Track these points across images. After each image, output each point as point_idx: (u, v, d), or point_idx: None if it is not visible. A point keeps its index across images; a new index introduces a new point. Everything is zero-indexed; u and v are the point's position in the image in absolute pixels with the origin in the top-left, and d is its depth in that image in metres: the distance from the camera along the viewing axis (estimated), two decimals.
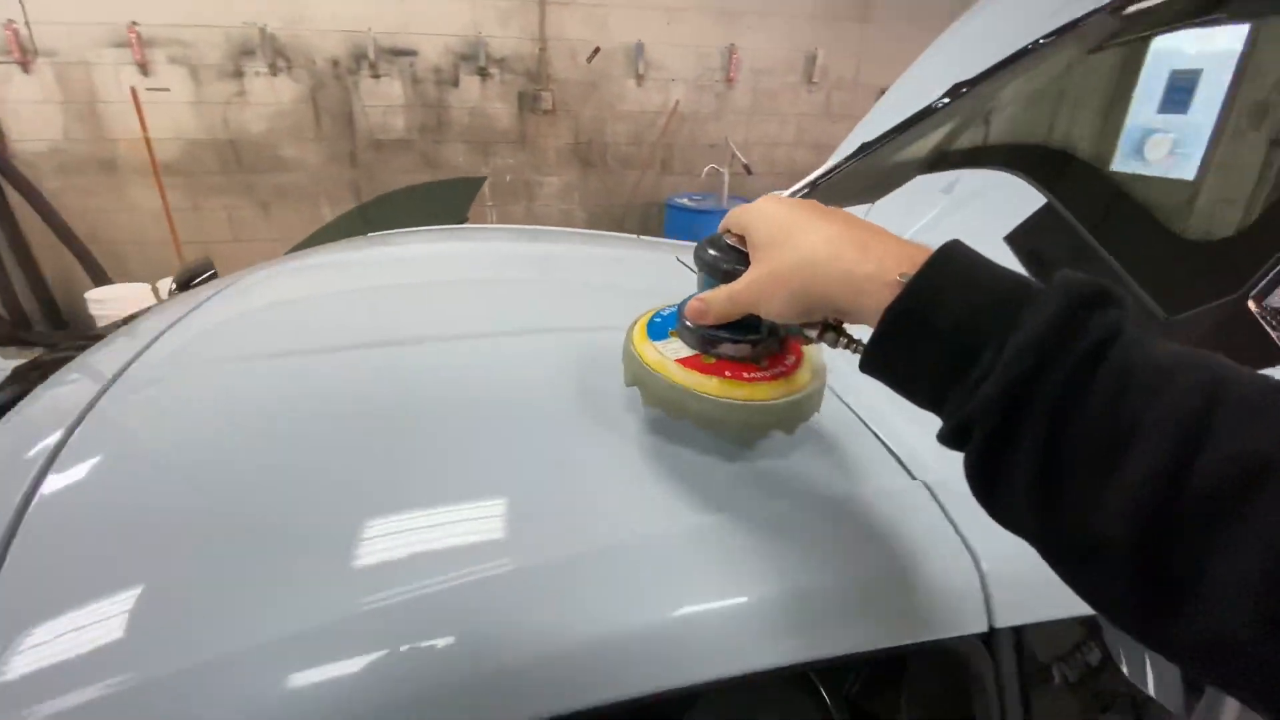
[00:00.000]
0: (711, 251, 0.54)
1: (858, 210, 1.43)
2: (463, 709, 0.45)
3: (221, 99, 4.18)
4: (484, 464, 0.61)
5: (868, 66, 5.19)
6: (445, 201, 4.08)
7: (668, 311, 0.65)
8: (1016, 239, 1.01)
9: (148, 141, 4.08)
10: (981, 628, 0.56)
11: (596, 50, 4.62)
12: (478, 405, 0.71)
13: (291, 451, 0.63)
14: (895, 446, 0.69)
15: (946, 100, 1.53)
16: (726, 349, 0.57)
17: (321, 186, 4.52)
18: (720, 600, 0.51)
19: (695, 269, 0.57)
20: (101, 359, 0.85)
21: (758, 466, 0.63)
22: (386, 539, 0.54)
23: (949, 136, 1.52)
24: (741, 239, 0.52)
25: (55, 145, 4.02)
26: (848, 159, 1.65)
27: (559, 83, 4.65)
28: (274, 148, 4.38)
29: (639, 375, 0.60)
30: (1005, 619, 0.56)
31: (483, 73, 4.48)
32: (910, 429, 0.72)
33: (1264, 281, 0.83)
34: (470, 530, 0.55)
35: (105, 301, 3.90)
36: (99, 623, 0.46)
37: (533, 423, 0.68)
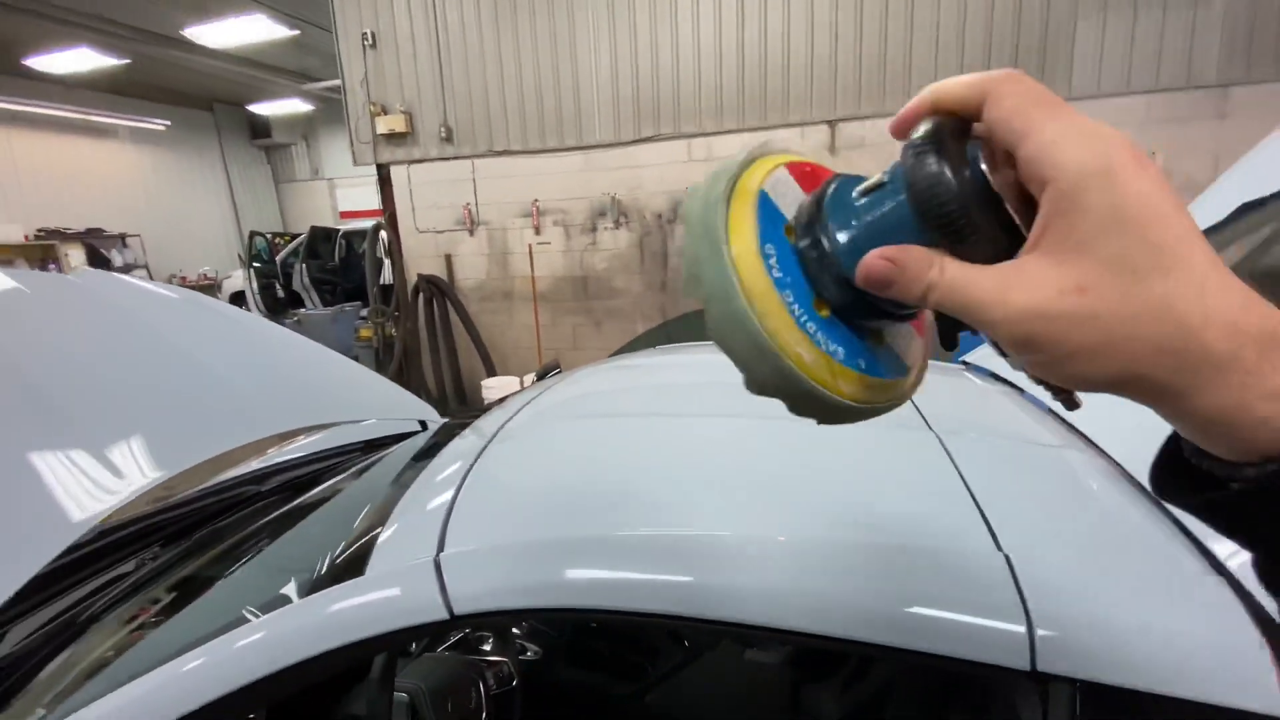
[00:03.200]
0: (942, 177, 0.28)
1: None
2: None
3: (580, 248, 5.09)
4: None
5: (1225, 164, 3.97)
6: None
7: (786, 189, 0.36)
8: None
9: (533, 280, 5.13)
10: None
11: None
12: (715, 444, 1.08)
13: (606, 468, 1.03)
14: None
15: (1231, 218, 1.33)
16: (872, 324, 0.35)
17: (639, 309, 5.07)
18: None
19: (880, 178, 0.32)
20: (489, 421, 1.31)
21: None
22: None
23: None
24: (1009, 161, 0.27)
25: (480, 282, 5.31)
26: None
27: None
28: (609, 280, 5.09)
29: (716, 282, 0.33)
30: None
31: None
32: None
33: None
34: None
35: (492, 388, 4.85)
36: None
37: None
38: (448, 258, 5.49)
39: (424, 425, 1.91)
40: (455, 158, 5.28)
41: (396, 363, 5.55)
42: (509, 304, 5.46)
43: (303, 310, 7.94)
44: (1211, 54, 3.92)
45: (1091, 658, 0.59)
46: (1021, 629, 0.60)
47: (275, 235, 9.74)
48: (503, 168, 5.19)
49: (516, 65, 4.97)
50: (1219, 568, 0.67)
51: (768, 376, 0.33)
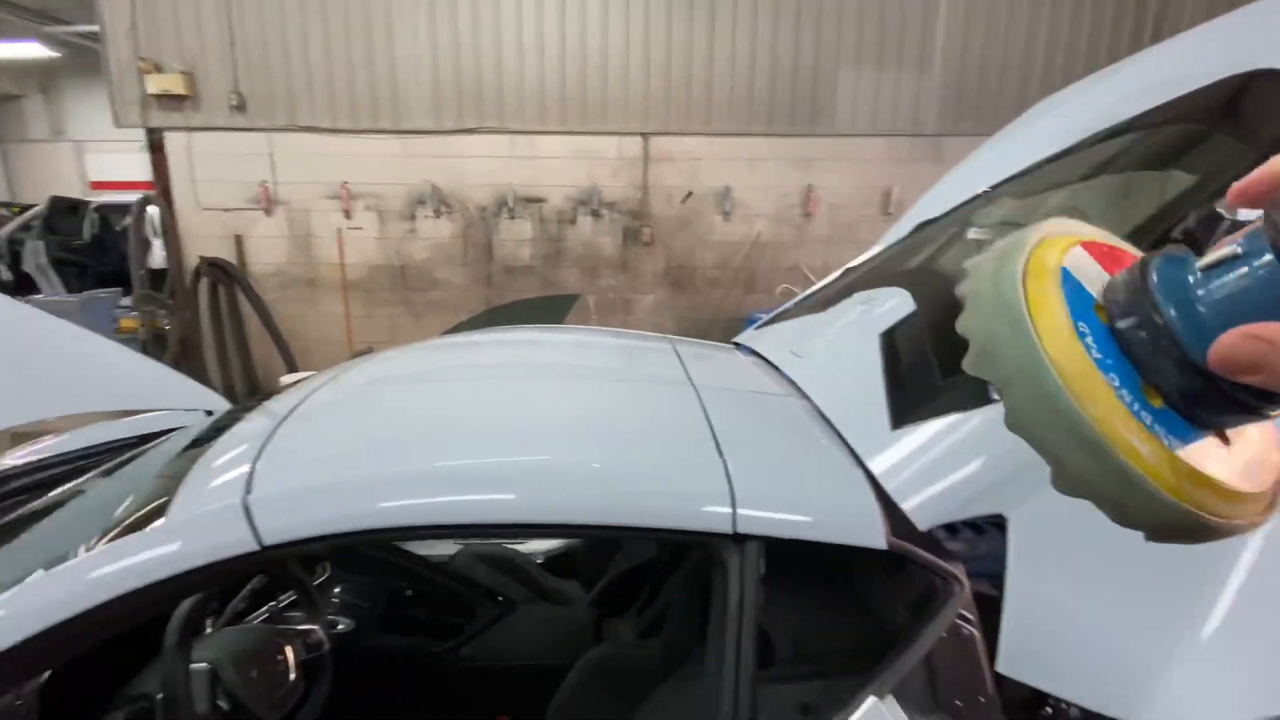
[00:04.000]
0: None
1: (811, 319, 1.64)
2: None
3: (398, 235, 4.82)
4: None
5: None
6: (548, 312, 4.28)
7: (1087, 268, 0.33)
8: (887, 335, 1.18)
9: (342, 267, 4.74)
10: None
11: (689, 194, 4.88)
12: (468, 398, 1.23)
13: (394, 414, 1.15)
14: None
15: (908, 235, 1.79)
16: (1218, 419, 0.30)
17: (463, 301, 4.95)
18: None
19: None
20: (287, 395, 1.28)
21: None
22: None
23: (893, 260, 1.76)
24: None
25: (279, 267, 4.78)
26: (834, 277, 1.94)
27: (656, 220, 4.91)
28: (431, 271, 4.89)
29: (1021, 361, 0.30)
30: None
31: (595, 214, 4.86)
32: None
33: None
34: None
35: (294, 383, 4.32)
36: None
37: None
38: (238, 239, 4.87)
39: (210, 415, 1.73)
40: (249, 129, 4.71)
41: (171, 358, 4.76)
42: (313, 292, 4.99)
43: (38, 296, 6.43)
44: (932, 109, 4.90)
45: (771, 523, 0.87)
46: (728, 509, 0.85)
47: None
48: (307, 144, 4.74)
49: (324, 35, 4.58)
50: (860, 464, 0.96)
51: (1090, 472, 0.28)
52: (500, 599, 1.71)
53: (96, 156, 10.50)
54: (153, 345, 5.05)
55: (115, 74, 4.55)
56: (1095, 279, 0.32)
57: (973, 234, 1.76)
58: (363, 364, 1.49)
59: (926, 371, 1.09)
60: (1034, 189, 1.62)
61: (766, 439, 1.08)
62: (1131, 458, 0.27)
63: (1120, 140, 1.52)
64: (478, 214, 4.96)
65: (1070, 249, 0.32)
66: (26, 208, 7.58)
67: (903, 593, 0.92)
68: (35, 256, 6.83)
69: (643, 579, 1.65)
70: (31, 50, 9.45)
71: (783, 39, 4.75)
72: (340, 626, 1.51)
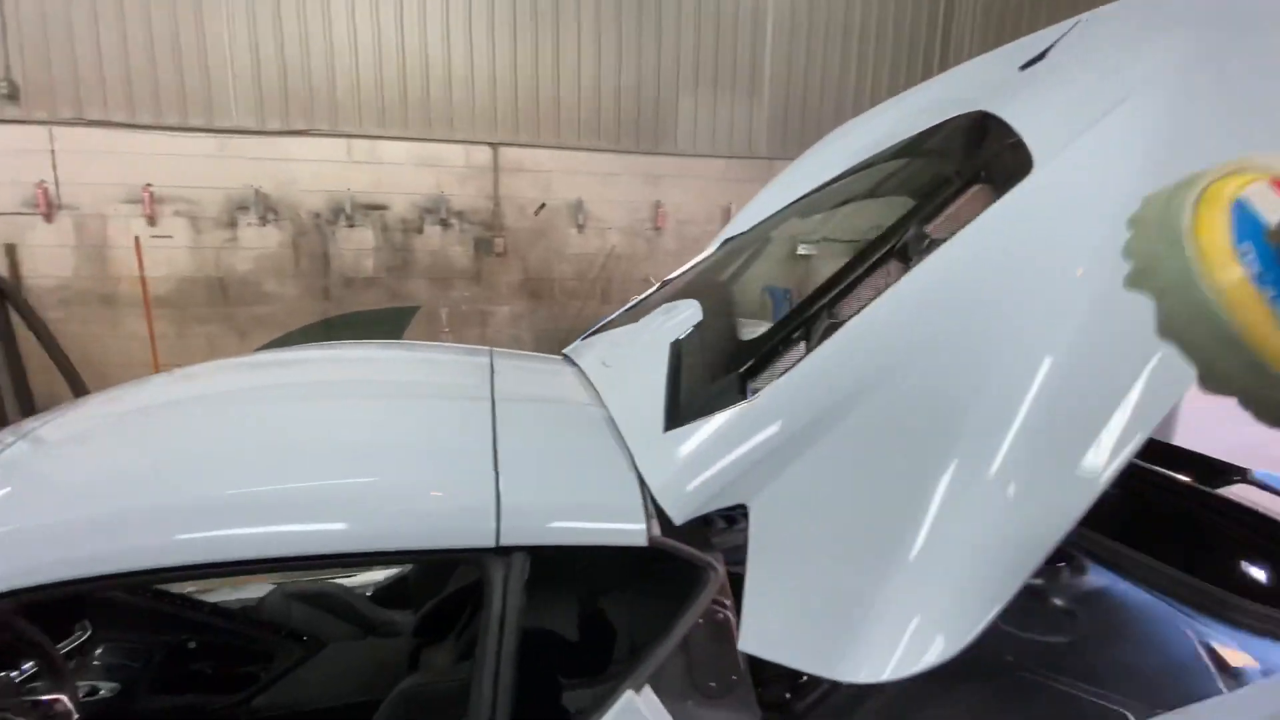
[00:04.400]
0: None
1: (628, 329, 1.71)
2: None
3: (216, 244, 4.34)
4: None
5: None
6: (383, 325, 4.04)
7: (1268, 201, 0.37)
8: (675, 344, 1.28)
9: (143, 280, 4.17)
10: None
11: (542, 206, 4.87)
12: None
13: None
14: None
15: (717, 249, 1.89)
16: None
17: (295, 316, 4.56)
18: None
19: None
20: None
21: None
22: None
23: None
24: None
25: (63, 281, 4.11)
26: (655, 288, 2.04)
27: (510, 231, 4.85)
28: (257, 283, 4.46)
29: (1173, 273, 0.34)
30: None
31: (444, 223, 4.71)
32: None
33: None
34: None
35: None
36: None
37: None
38: (9, 249, 4.12)
39: None
40: (23, 121, 4.03)
41: None
42: (111, 310, 4.34)
43: None
44: (763, 134, 5.31)
45: (537, 532, 0.88)
46: (492, 523, 0.84)
47: None
48: (99, 141, 4.14)
49: (118, 14, 4.05)
50: (635, 468, 1.00)
51: (1235, 370, 0.32)
52: (305, 639, 1.57)
53: None
54: None
55: None
56: (1275, 209, 0.36)
57: (769, 248, 1.95)
58: (126, 386, 1.32)
59: (700, 377, 1.17)
60: (818, 208, 1.80)
61: (550, 450, 1.09)
62: (1275, 357, 0.30)
63: (880, 167, 1.72)
64: (311, 221, 4.60)
65: (1253, 183, 0.36)
66: None
67: (667, 586, 0.96)
68: None
69: (465, 601, 1.59)
70: None
71: (626, 61, 4.94)
72: (102, 692, 1.31)
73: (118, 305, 4.34)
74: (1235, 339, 0.31)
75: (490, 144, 4.80)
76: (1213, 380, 0.34)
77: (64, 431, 1.09)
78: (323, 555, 0.86)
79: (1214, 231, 0.34)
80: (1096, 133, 1.01)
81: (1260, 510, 1.43)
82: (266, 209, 4.50)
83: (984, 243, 1.02)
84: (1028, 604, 1.14)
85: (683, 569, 0.91)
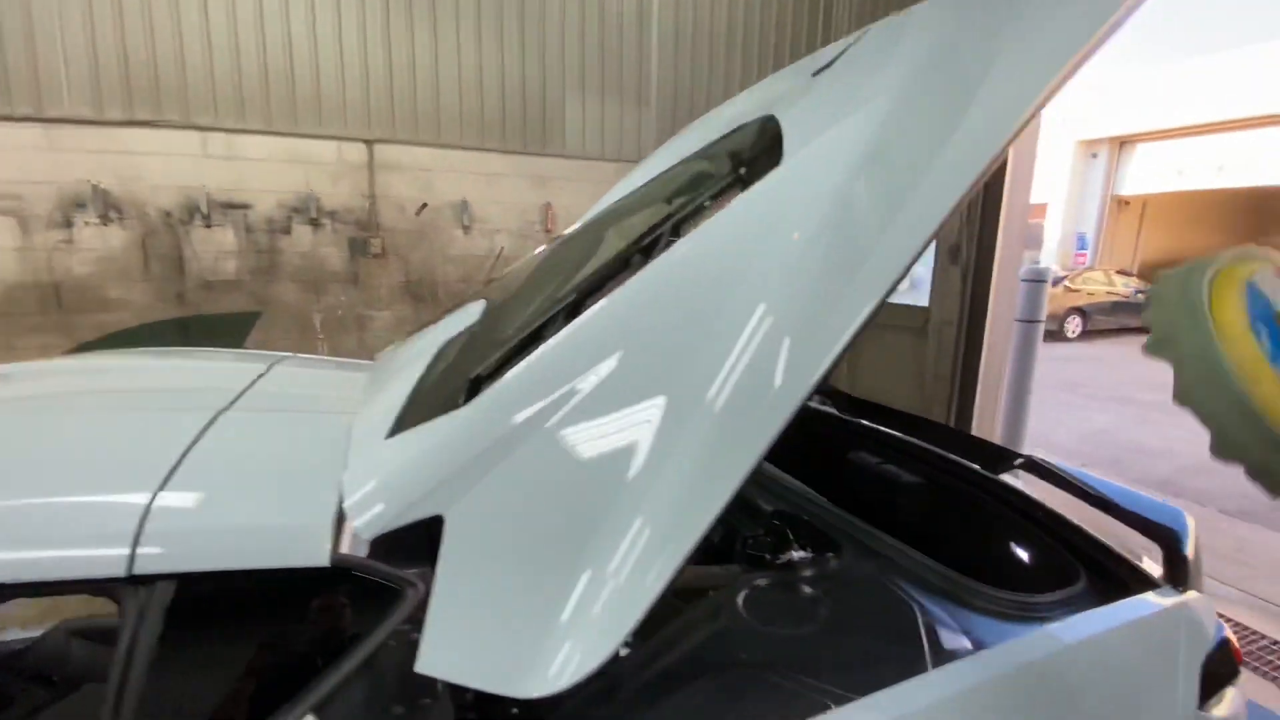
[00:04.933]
0: None
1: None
2: None
3: (47, 246, 3.91)
4: None
5: None
6: (220, 331, 3.74)
7: (1276, 286, 0.32)
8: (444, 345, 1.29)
9: None
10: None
11: (424, 206, 4.69)
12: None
13: None
14: None
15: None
16: None
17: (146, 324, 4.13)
18: None
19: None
20: None
21: None
22: None
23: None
24: None
25: None
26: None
27: (389, 231, 4.64)
28: (100, 289, 4.04)
29: (1194, 346, 0.40)
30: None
31: (314, 223, 4.44)
32: None
33: None
34: None
35: None
36: None
37: None
38: None
39: None
40: None
41: None
42: None
43: None
44: (652, 137, 5.34)
45: (185, 558, 0.79)
46: (124, 550, 0.76)
47: None
48: None
49: None
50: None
51: (1248, 439, 0.34)
52: (54, 680, 1.40)
53: None
54: None
55: None
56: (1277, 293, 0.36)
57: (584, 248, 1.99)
58: None
59: (440, 381, 1.11)
60: (627, 211, 1.80)
61: (247, 467, 0.99)
62: None
63: (676, 170, 1.74)
64: (162, 221, 4.23)
65: (1260, 269, 0.37)
66: None
67: (369, 606, 0.90)
68: None
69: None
70: None
71: (509, 59, 4.84)
72: None
73: None
74: (1250, 410, 0.34)
75: (365, 140, 4.58)
76: (1226, 448, 0.35)
77: None
78: None
79: (1230, 309, 0.37)
80: (834, 131, 1.03)
81: (1027, 494, 1.52)
82: (108, 206, 4.09)
83: (712, 236, 1.02)
84: (778, 597, 1.15)
85: (373, 588, 0.85)
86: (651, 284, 0.99)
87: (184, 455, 0.90)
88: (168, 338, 3.74)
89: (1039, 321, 4.70)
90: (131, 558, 0.75)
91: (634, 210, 1.69)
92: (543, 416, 0.87)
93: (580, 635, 0.73)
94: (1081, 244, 17.14)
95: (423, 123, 4.68)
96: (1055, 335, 12.60)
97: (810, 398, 0.78)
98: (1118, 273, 14.21)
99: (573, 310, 1.05)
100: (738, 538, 1.40)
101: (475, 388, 0.96)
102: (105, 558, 0.75)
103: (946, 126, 0.87)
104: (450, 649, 0.77)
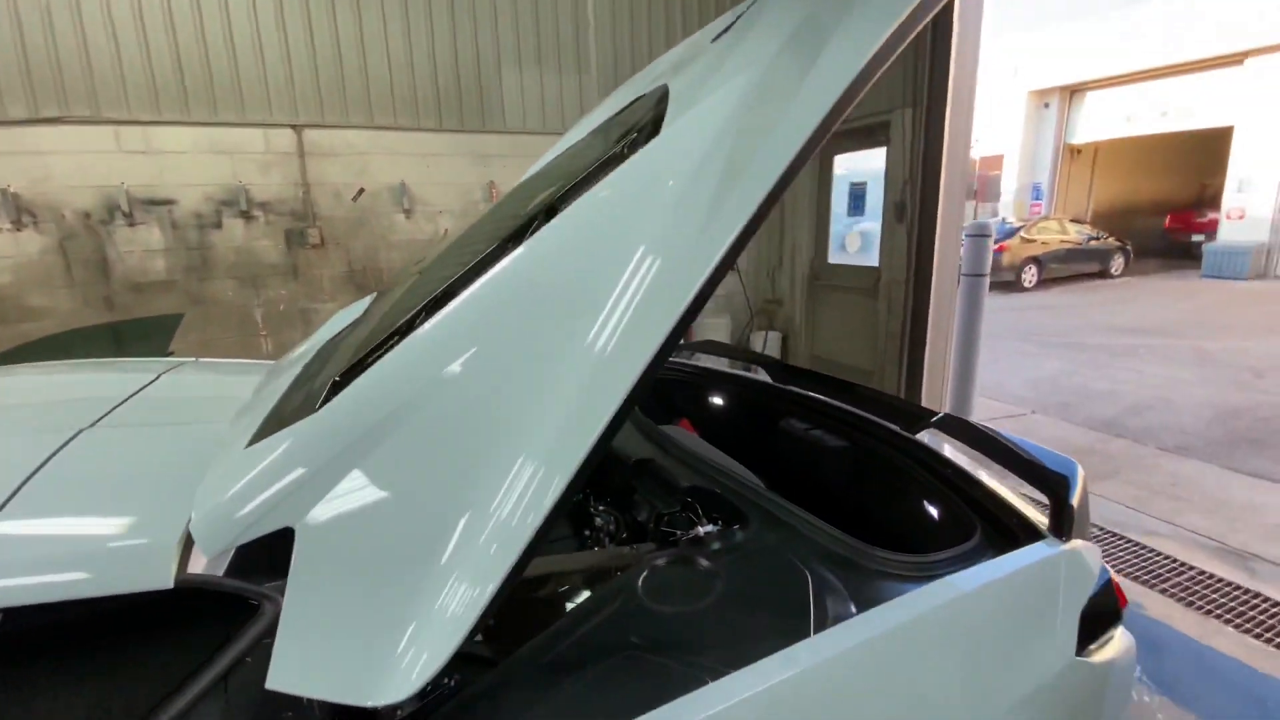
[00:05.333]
0: None
1: None
2: None
3: None
4: None
5: None
6: (141, 339, 3.58)
7: None
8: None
9: None
10: None
11: (361, 191, 4.54)
12: None
13: None
14: None
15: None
16: None
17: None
18: None
19: None
20: None
21: None
22: None
23: None
24: None
25: None
26: None
27: (326, 220, 4.48)
28: (19, 298, 3.85)
29: None
30: None
31: (246, 215, 4.27)
32: None
33: None
34: None
35: None
36: None
37: None
38: None
39: None
40: None
41: None
42: None
43: None
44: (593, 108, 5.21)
45: (12, 592, 0.75)
46: None
47: None
48: None
49: None
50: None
51: None
52: None
53: None
54: None
55: None
56: None
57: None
58: None
59: (307, 383, 1.07)
60: (521, 193, 1.75)
61: (99, 487, 0.95)
62: None
63: (575, 146, 1.68)
64: (80, 222, 4.03)
65: None
66: None
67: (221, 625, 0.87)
68: None
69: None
70: None
71: (440, 35, 4.65)
72: None
73: None
74: None
75: (292, 126, 4.39)
76: None
77: None
78: None
79: None
80: (709, 100, 1.00)
81: (939, 452, 1.54)
82: (20, 211, 3.88)
83: (585, 211, 0.99)
84: (677, 574, 1.15)
85: (231, 605, 0.82)
86: (506, 273, 0.95)
87: (27, 480, 0.85)
88: (97, 344, 3.58)
89: (984, 275, 4.76)
90: None
91: (529, 192, 1.64)
92: (401, 415, 0.84)
93: (427, 635, 0.72)
94: (1036, 194, 17.41)
95: (353, 105, 4.50)
96: (1013, 286, 12.84)
97: (670, 345, 0.78)
98: (1071, 220, 14.49)
99: (442, 300, 1.01)
100: (652, 516, 1.40)
101: (335, 389, 0.92)
102: None
103: (790, 95, 0.85)
104: (299, 662, 0.75)
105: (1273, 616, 2.57)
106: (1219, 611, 2.61)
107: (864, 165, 5.32)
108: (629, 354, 0.78)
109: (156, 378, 1.36)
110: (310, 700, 0.83)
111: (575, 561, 1.33)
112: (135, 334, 3.71)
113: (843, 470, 1.72)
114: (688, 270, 0.81)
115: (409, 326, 0.99)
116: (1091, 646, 1.07)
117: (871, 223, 5.25)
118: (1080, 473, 1.26)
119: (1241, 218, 13.31)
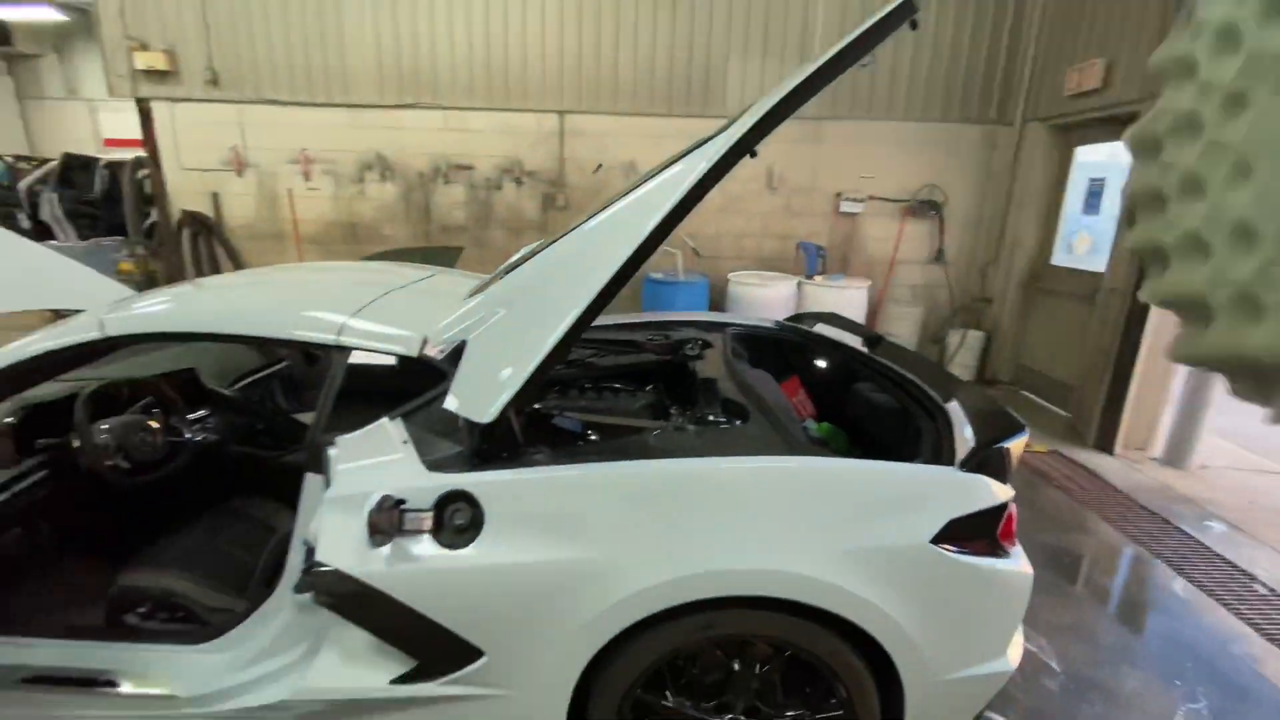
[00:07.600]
0: None
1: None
2: None
3: (349, 196, 5.55)
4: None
5: (822, 175, 5.60)
6: (438, 259, 4.96)
7: None
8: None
9: (295, 222, 5.50)
10: None
11: (599, 166, 5.53)
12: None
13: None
14: None
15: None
16: None
17: None
18: None
19: None
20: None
21: None
22: None
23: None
24: None
25: (249, 221, 5.55)
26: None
27: (571, 188, 5.59)
28: (378, 228, 5.63)
29: None
30: None
31: (518, 181, 5.55)
32: None
33: None
34: None
35: None
36: None
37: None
38: (215, 196, 5.64)
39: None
40: (222, 101, 5.43)
41: None
42: (279, 244, 5.78)
43: (52, 242, 7.28)
44: None
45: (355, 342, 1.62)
46: (333, 336, 1.64)
47: (19, 158, 8.57)
48: (270, 115, 5.46)
49: (284, 18, 5.27)
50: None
51: None
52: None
53: (109, 115, 11.24)
54: (146, 285, 5.88)
55: (108, 50, 5.28)
56: None
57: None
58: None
59: (499, 275, 1.95)
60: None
61: (395, 314, 1.83)
62: None
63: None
64: (417, 179, 5.68)
65: None
66: (44, 161, 8.39)
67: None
68: (51, 207, 7.67)
69: None
70: (43, 14, 10.09)
71: (679, 31, 5.35)
72: (210, 436, 2.22)
73: (283, 240, 5.77)
74: None
75: (557, 112, 5.52)
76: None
77: (225, 283, 2.15)
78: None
79: None
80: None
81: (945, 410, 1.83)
82: (385, 169, 5.63)
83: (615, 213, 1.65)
84: (684, 433, 1.73)
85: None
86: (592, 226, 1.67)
87: (366, 305, 1.81)
88: (412, 259, 5.19)
89: None
90: (339, 335, 1.65)
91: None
92: (520, 292, 1.70)
93: (501, 397, 1.42)
94: None
95: (603, 94, 5.46)
96: None
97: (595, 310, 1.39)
98: None
99: (557, 239, 1.78)
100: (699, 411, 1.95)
101: (498, 277, 1.75)
102: (323, 335, 1.63)
103: None
104: (456, 401, 1.52)
105: None
106: None
107: (1109, 158, 4.76)
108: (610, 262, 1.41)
109: (433, 274, 2.35)
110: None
111: (635, 418, 1.96)
112: (434, 256, 5.25)
113: (879, 420, 2.07)
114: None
115: (543, 248, 1.76)
116: (949, 546, 1.40)
117: (1108, 221, 4.72)
118: (1018, 440, 1.51)
119: None
